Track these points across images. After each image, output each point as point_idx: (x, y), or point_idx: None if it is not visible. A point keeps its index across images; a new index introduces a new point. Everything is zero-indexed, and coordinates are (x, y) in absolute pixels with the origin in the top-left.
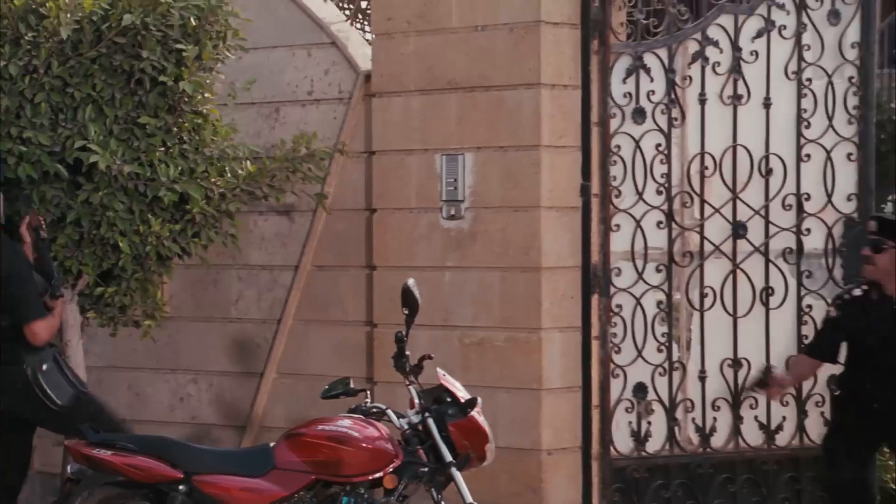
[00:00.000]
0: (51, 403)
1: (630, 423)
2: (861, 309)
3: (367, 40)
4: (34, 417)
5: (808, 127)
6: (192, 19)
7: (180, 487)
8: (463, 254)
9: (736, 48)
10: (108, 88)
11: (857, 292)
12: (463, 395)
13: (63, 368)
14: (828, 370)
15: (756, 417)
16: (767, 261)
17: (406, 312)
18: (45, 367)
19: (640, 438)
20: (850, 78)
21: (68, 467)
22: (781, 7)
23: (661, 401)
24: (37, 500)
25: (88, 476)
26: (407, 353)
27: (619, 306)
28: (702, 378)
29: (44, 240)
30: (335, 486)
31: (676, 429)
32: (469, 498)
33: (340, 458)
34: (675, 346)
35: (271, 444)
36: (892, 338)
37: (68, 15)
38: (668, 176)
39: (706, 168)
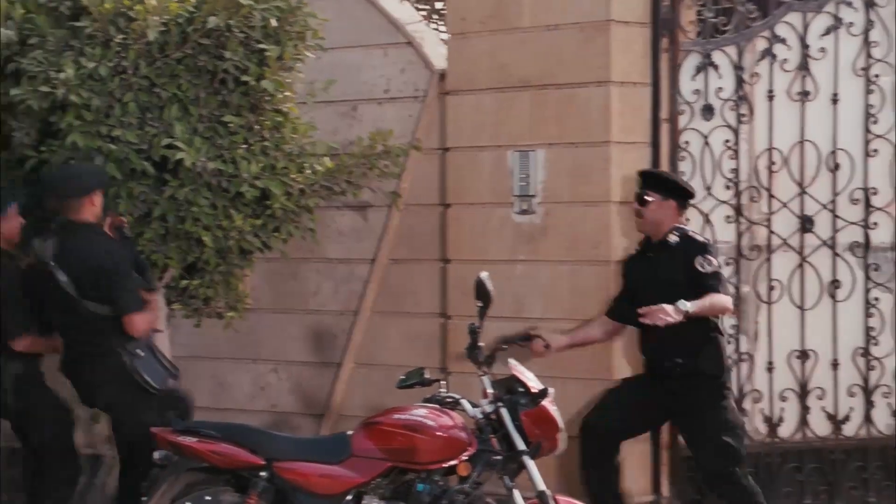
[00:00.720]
0: (149, 388)
1: None
2: (635, 262)
3: (442, 40)
4: (132, 407)
5: (875, 122)
6: (272, 20)
7: (262, 474)
8: (534, 248)
9: (804, 45)
10: (192, 88)
11: (636, 246)
12: (534, 385)
13: (157, 355)
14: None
15: (823, 408)
16: (835, 254)
17: (479, 304)
18: (141, 353)
19: None
20: None
21: (155, 453)
22: (849, 4)
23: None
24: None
25: (174, 462)
26: (480, 344)
27: None
28: (769, 369)
29: (129, 238)
30: (410, 474)
31: (745, 419)
32: (541, 485)
33: (416, 446)
34: (743, 337)
35: (349, 433)
36: (649, 287)
37: (155, 18)
38: (736, 171)
39: (774, 163)
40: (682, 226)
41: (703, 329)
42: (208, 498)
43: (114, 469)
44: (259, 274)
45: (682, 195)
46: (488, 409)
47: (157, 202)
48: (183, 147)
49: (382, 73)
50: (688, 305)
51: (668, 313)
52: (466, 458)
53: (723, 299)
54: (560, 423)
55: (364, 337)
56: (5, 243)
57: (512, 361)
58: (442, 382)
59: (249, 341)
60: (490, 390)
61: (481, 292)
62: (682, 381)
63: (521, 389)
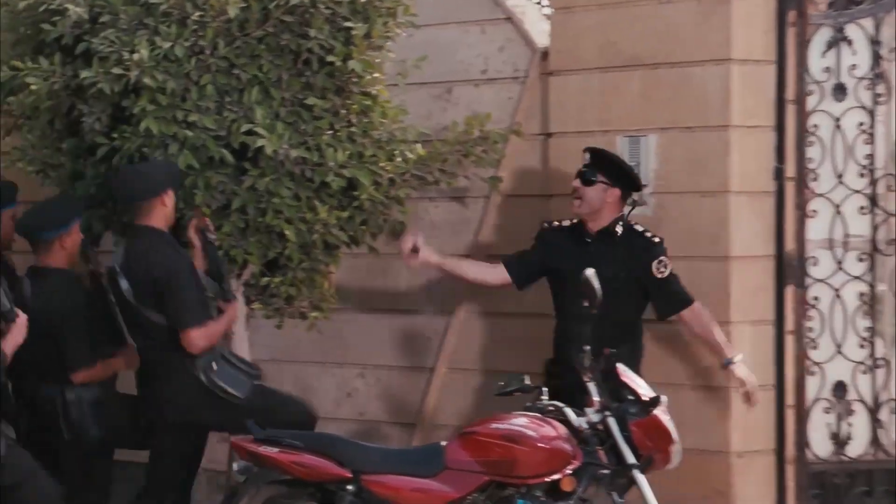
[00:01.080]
0: (232, 399)
1: (828, 424)
2: (564, 241)
3: (545, 15)
4: (215, 421)
5: None
6: None
7: (348, 487)
8: None
9: None
10: (274, 69)
11: (566, 223)
12: (645, 392)
13: (233, 361)
14: None
15: None
16: None
17: (586, 305)
18: (215, 365)
19: (839, 441)
20: None
21: (234, 465)
22: None
23: (863, 401)
24: (203, 497)
25: (254, 474)
26: (586, 347)
27: (816, 298)
28: None
29: (212, 242)
30: (510, 488)
31: (881, 431)
32: (653, 502)
33: (515, 459)
34: (878, 341)
35: (442, 443)
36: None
37: None
38: (871, 157)
39: None
40: (623, 216)
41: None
42: None
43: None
44: (345, 271)
45: (629, 186)
46: (595, 418)
47: (236, 193)
48: (264, 133)
49: (479, 51)
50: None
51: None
52: (571, 471)
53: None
54: (674, 434)
55: (459, 339)
56: (67, 262)
57: (621, 367)
58: (544, 389)
59: (335, 344)
60: (596, 398)
61: (588, 291)
62: None
63: (630, 397)
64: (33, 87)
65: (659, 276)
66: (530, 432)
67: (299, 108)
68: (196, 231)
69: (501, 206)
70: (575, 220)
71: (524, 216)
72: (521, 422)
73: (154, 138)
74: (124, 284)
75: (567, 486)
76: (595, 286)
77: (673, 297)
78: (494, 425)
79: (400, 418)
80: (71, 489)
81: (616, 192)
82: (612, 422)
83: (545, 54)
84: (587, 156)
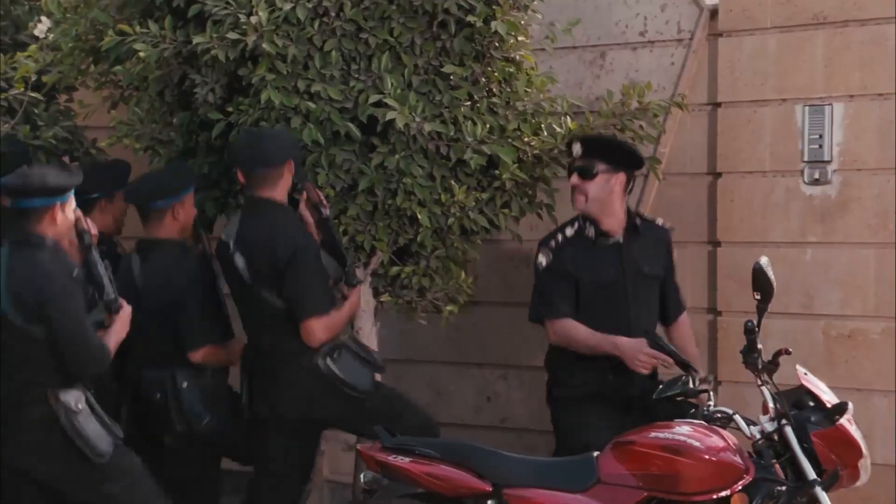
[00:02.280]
0: (351, 391)
1: None
2: (576, 251)
3: None
4: (332, 417)
5: None
6: None
7: (489, 502)
8: (829, 227)
9: None
10: (406, 33)
11: (569, 232)
12: (829, 398)
13: (357, 351)
14: None
15: None
16: None
17: (758, 298)
18: (336, 354)
19: None
20: None
21: (361, 476)
22: None
23: None
24: None
25: (384, 486)
26: (759, 346)
27: None
28: None
29: (327, 219)
30: None
31: None
32: None
33: (678, 472)
34: None
35: (595, 454)
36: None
37: None
38: None
39: None
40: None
41: None
42: None
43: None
44: (485, 259)
45: (633, 166)
46: (769, 427)
47: (364, 172)
48: (394, 105)
49: (638, 10)
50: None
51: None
52: (742, 488)
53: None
54: (863, 446)
55: None
56: (179, 235)
57: (801, 369)
58: (710, 394)
59: (473, 341)
60: (772, 405)
61: (761, 282)
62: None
63: (811, 404)
64: (141, 55)
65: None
66: (695, 443)
67: (434, 76)
68: (308, 205)
69: (662, 187)
70: (576, 224)
71: (688, 197)
72: (684, 431)
73: (273, 111)
74: (240, 262)
75: None
76: (770, 276)
77: (677, 297)
78: (654, 434)
79: (547, 426)
80: (178, 497)
81: (621, 176)
82: (789, 432)
83: (714, 13)
84: (578, 147)
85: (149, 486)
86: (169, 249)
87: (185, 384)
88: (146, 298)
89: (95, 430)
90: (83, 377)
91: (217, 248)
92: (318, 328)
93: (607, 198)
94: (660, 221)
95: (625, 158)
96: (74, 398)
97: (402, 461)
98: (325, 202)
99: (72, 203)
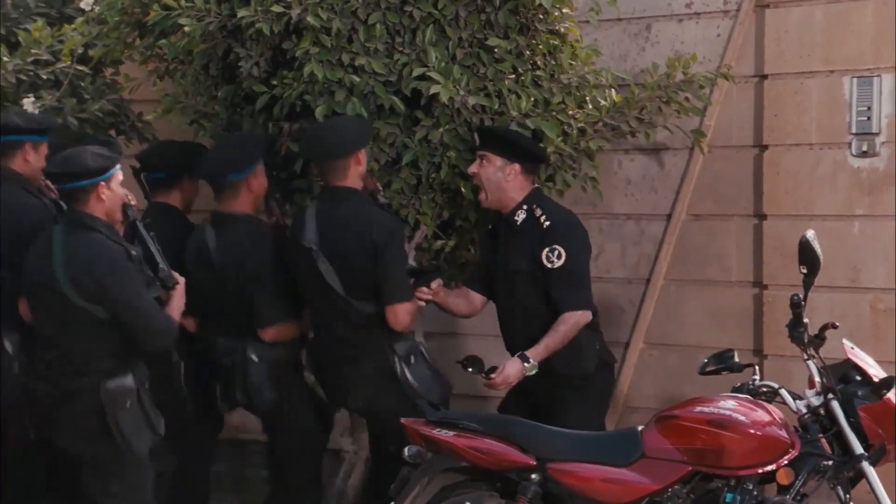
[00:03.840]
0: (420, 401)
1: None
2: (487, 239)
3: None
4: (391, 414)
5: None
6: None
7: (532, 476)
8: (877, 199)
9: None
10: (451, 5)
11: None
12: (876, 372)
13: (429, 362)
14: None
15: None
16: None
17: (804, 272)
18: (413, 358)
19: None
20: None
21: (406, 449)
22: None
23: None
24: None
25: (428, 460)
26: (805, 320)
27: None
28: None
29: (384, 206)
30: (716, 480)
31: None
32: (887, 500)
33: (723, 447)
34: None
35: (639, 428)
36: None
37: None
38: None
39: None
40: (536, 197)
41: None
42: None
43: (356, 468)
44: None
45: (528, 156)
46: (816, 402)
47: (407, 146)
48: (438, 78)
49: None
50: (532, 361)
51: (508, 379)
52: (787, 462)
53: (576, 319)
54: None
55: (657, 311)
56: (253, 206)
57: (847, 343)
58: (755, 368)
59: None
60: (818, 379)
61: (807, 256)
62: (538, 381)
63: (858, 378)
64: (186, 29)
65: (548, 264)
66: (740, 417)
67: (478, 49)
68: (365, 192)
69: (707, 160)
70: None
71: (734, 171)
72: (729, 405)
73: (317, 85)
74: (324, 266)
75: (783, 479)
76: (817, 250)
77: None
78: (699, 409)
79: None
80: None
81: (515, 167)
82: (836, 406)
83: None
84: (476, 137)
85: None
86: (244, 225)
87: (254, 357)
88: (221, 274)
89: (136, 427)
90: (153, 351)
91: (294, 248)
92: (404, 313)
93: (500, 188)
94: (546, 215)
95: (517, 149)
96: (124, 392)
97: (446, 435)
98: (381, 189)
99: (118, 178)
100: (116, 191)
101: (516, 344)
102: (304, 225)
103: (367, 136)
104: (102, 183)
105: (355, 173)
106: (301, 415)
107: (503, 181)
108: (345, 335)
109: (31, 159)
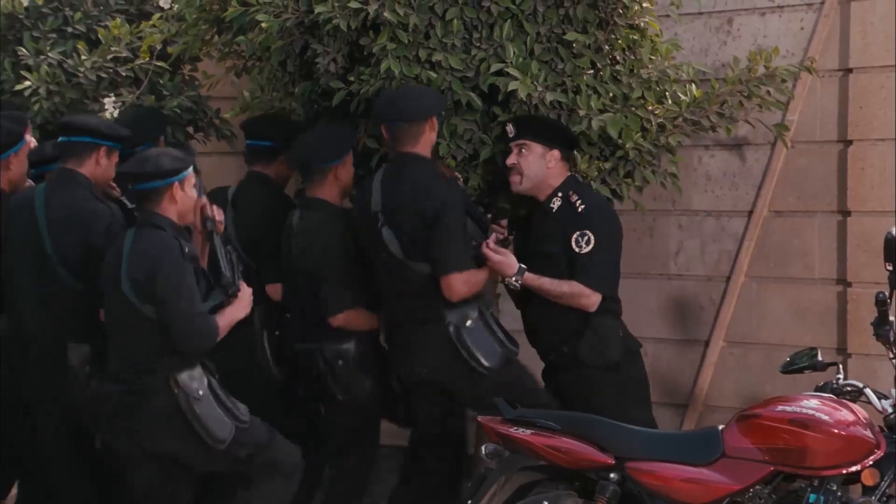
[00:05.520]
0: (477, 365)
1: None
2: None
3: None
4: (457, 385)
5: None
6: None
7: (611, 475)
8: None
9: None
10: (529, 0)
11: (523, 213)
12: None
13: (491, 324)
14: None
15: None
16: None
17: (889, 269)
18: (469, 322)
19: None
20: None
21: (482, 447)
22: None
23: None
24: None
25: (505, 458)
26: (891, 318)
27: None
28: None
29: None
30: (799, 481)
31: None
32: None
33: (806, 447)
34: None
35: (720, 427)
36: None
37: None
38: None
39: None
40: (572, 183)
41: (578, 312)
42: None
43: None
44: None
45: (566, 142)
46: None
47: (485, 142)
48: (516, 74)
49: None
50: (521, 277)
51: (501, 259)
52: (872, 463)
53: (582, 293)
54: None
55: (738, 308)
56: (338, 195)
57: None
58: (839, 367)
59: None
60: None
61: (893, 253)
62: (566, 376)
63: None
64: (264, 25)
65: (577, 249)
66: (824, 416)
67: (557, 44)
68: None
69: (790, 155)
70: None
71: (817, 167)
72: (811, 404)
73: (394, 80)
74: (387, 235)
75: (868, 480)
76: None
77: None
78: (781, 408)
79: (669, 398)
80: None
81: (555, 153)
82: None
83: None
84: (511, 128)
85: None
86: (321, 211)
87: (331, 354)
88: (298, 258)
89: (216, 417)
90: (190, 353)
91: (360, 215)
92: (458, 283)
93: (539, 176)
94: (581, 199)
95: (556, 134)
96: (196, 384)
97: (523, 433)
98: (459, 177)
99: (191, 180)
100: (189, 193)
101: (538, 332)
102: (370, 189)
103: (441, 105)
104: (176, 184)
105: (427, 140)
106: (368, 407)
107: (545, 168)
108: (405, 302)
109: (103, 164)
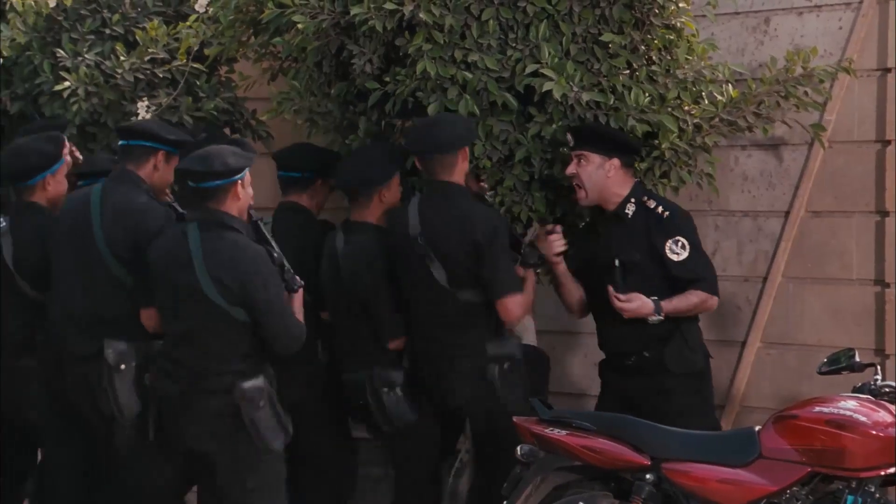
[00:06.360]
0: (510, 406)
1: None
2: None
3: None
4: (478, 415)
5: None
6: None
7: (647, 476)
8: None
9: None
10: (564, 1)
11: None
12: None
13: (522, 373)
14: None
15: None
16: None
17: None
18: (507, 366)
19: None
20: None
21: (518, 448)
22: None
23: None
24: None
25: (540, 460)
26: None
27: None
28: None
29: (491, 206)
30: (837, 482)
31: None
32: None
33: (844, 448)
34: None
35: (756, 428)
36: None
37: None
38: None
39: None
40: (642, 190)
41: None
42: None
43: (467, 469)
44: None
45: (625, 150)
46: None
47: (520, 142)
48: (552, 75)
49: None
50: (660, 315)
51: (636, 307)
52: None
53: (705, 299)
54: None
55: (775, 309)
56: (382, 217)
57: None
58: (877, 368)
59: None
60: None
61: None
62: (645, 381)
63: None
64: (300, 26)
65: (673, 257)
66: (861, 417)
67: (592, 44)
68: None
69: (827, 155)
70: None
71: (855, 167)
72: (850, 405)
73: (430, 81)
74: (433, 265)
75: None
76: None
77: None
78: (818, 409)
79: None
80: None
81: (615, 162)
82: None
83: None
84: (569, 137)
85: (282, 497)
86: (367, 234)
87: (380, 383)
88: (345, 281)
89: (271, 426)
90: (284, 354)
91: (399, 243)
92: (515, 305)
93: (602, 185)
94: (661, 206)
95: (615, 143)
96: (258, 392)
97: (558, 434)
98: (486, 187)
99: (248, 177)
100: (248, 190)
101: (612, 338)
102: (406, 216)
103: (473, 134)
104: (239, 182)
105: (461, 169)
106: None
107: (605, 178)
108: (443, 332)
109: (161, 169)
